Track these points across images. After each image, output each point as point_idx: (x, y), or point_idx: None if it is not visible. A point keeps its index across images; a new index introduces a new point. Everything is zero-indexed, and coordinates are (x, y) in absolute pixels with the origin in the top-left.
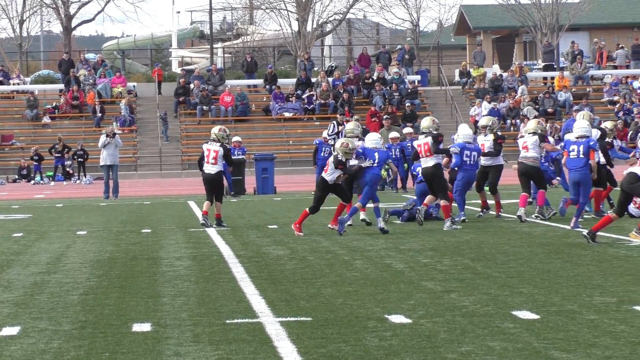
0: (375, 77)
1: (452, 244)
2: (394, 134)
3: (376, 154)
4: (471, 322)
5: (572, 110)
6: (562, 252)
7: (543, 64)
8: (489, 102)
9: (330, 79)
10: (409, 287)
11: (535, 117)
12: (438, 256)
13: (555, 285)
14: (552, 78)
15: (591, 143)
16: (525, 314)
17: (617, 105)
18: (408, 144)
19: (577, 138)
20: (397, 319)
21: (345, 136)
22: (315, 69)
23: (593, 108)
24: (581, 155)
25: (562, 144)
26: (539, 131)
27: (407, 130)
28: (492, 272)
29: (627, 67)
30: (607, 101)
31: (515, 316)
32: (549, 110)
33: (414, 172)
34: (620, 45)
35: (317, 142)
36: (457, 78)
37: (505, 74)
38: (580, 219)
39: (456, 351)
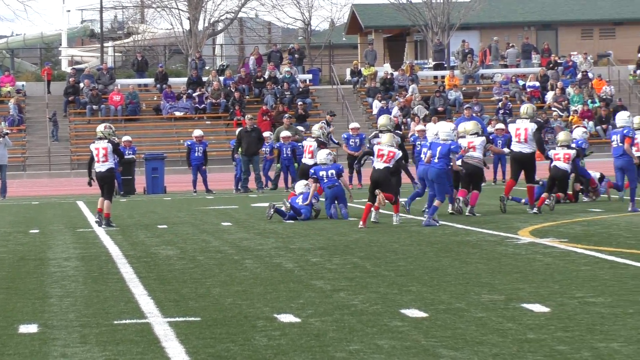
0: (266, 76)
1: (342, 243)
2: (285, 133)
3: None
4: (360, 321)
5: (462, 108)
6: (451, 250)
7: (434, 62)
8: (380, 101)
9: (221, 78)
10: (298, 287)
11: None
12: (328, 255)
13: (443, 283)
14: (443, 77)
15: (625, 131)
16: (414, 312)
17: (500, 103)
18: (300, 145)
19: (619, 128)
20: (286, 318)
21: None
22: (207, 68)
23: (483, 107)
24: (619, 144)
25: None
26: (480, 132)
27: (300, 128)
28: (382, 271)
29: (517, 65)
30: (501, 100)
31: (404, 314)
32: (440, 109)
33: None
34: (510, 44)
35: (189, 143)
36: (348, 77)
37: (396, 73)
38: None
39: (345, 350)
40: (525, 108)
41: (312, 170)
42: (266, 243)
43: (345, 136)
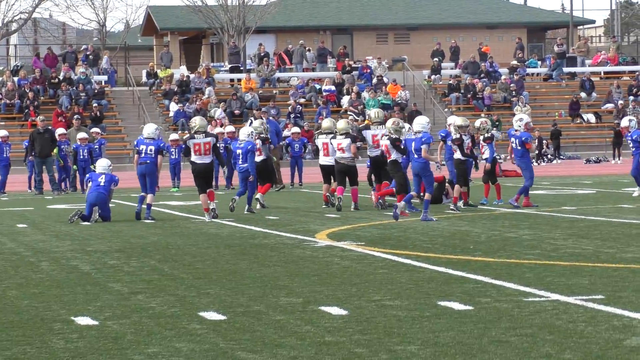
0: (61, 77)
1: (139, 246)
2: (82, 135)
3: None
4: (158, 324)
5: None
6: (249, 253)
7: (230, 65)
8: (177, 103)
9: (15, 79)
10: (95, 289)
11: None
12: (125, 257)
13: (242, 286)
14: (239, 80)
15: (424, 139)
16: (212, 315)
17: (294, 108)
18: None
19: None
20: (84, 320)
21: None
22: (1, 68)
23: (280, 110)
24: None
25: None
26: (350, 131)
27: (95, 130)
28: (180, 274)
29: (314, 69)
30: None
31: (202, 317)
32: (236, 112)
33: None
34: (307, 48)
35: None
36: (144, 79)
37: (192, 75)
38: None
39: (143, 352)
40: (376, 113)
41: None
42: (62, 245)
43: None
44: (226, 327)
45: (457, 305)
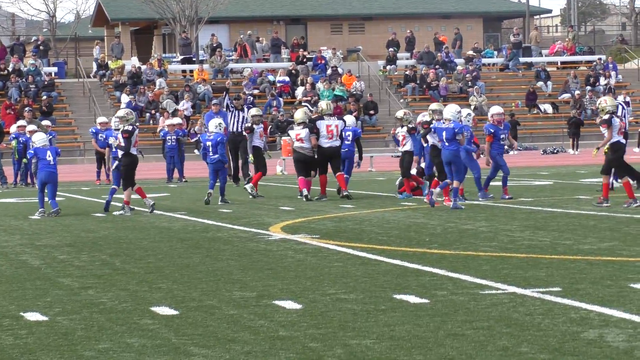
0: (10, 69)
1: (90, 240)
2: (32, 127)
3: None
4: (109, 319)
5: (211, 103)
6: (202, 246)
7: (182, 56)
8: (128, 95)
9: None
10: (45, 284)
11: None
12: (75, 252)
13: (194, 280)
14: (192, 71)
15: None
16: (164, 310)
17: (245, 99)
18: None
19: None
20: (33, 316)
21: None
22: None
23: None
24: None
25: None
26: (307, 121)
27: (46, 122)
28: (131, 268)
29: (267, 60)
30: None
31: (154, 312)
32: (190, 103)
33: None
34: (259, 39)
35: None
36: (95, 70)
37: (144, 67)
38: None
39: (93, 348)
40: (327, 104)
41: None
42: (11, 240)
43: (94, 130)
44: (178, 322)
45: (412, 299)
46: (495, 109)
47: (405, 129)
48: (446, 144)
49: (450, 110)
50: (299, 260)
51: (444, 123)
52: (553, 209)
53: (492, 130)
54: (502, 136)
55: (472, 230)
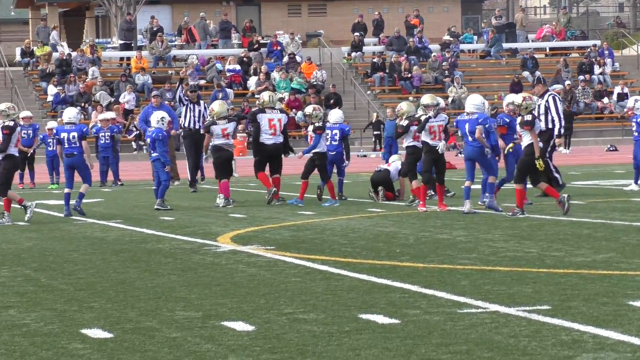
0: None
1: (11, 252)
2: None
3: None
4: (33, 343)
5: (150, 95)
6: (140, 259)
7: (120, 42)
8: (56, 86)
9: None
10: None
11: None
12: None
13: (131, 298)
14: (129, 58)
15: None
16: (97, 332)
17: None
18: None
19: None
20: None
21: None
22: None
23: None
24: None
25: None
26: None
27: None
28: (59, 285)
29: (215, 46)
30: None
31: (85, 335)
32: (126, 95)
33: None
34: (207, 22)
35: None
36: (18, 57)
37: (74, 54)
38: None
39: None
40: (269, 97)
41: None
42: None
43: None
44: (113, 346)
45: (381, 319)
46: (512, 98)
47: (311, 127)
48: (470, 139)
49: (475, 101)
50: (251, 275)
51: (466, 115)
52: (541, 215)
53: (508, 121)
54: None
55: (449, 240)
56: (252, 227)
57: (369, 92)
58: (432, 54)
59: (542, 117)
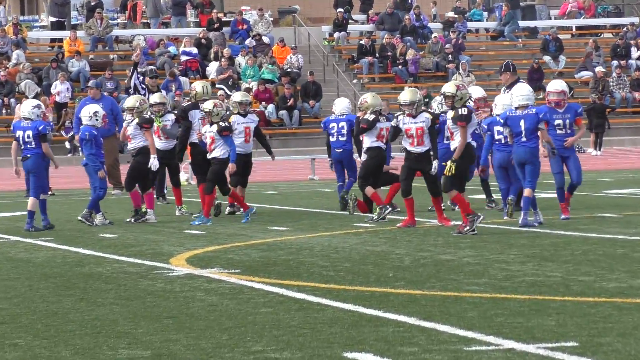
0: None
1: None
2: None
3: None
4: None
5: (87, 87)
6: (76, 286)
7: (51, 19)
8: None
9: None
10: None
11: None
12: None
13: (64, 333)
14: (61, 40)
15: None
16: None
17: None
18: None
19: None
20: None
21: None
22: None
23: (119, 84)
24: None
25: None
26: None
27: None
28: None
29: (166, 25)
30: None
31: None
32: (66, 85)
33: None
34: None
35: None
36: None
37: None
38: None
39: None
40: (203, 87)
41: None
42: None
43: None
44: None
45: (370, 358)
46: (556, 85)
47: (215, 127)
48: (523, 138)
49: (522, 91)
50: (211, 304)
51: (516, 110)
52: (566, 231)
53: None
54: (556, 122)
55: (454, 262)
56: (213, 246)
57: (355, 80)
58: (433, 35)
59: None
